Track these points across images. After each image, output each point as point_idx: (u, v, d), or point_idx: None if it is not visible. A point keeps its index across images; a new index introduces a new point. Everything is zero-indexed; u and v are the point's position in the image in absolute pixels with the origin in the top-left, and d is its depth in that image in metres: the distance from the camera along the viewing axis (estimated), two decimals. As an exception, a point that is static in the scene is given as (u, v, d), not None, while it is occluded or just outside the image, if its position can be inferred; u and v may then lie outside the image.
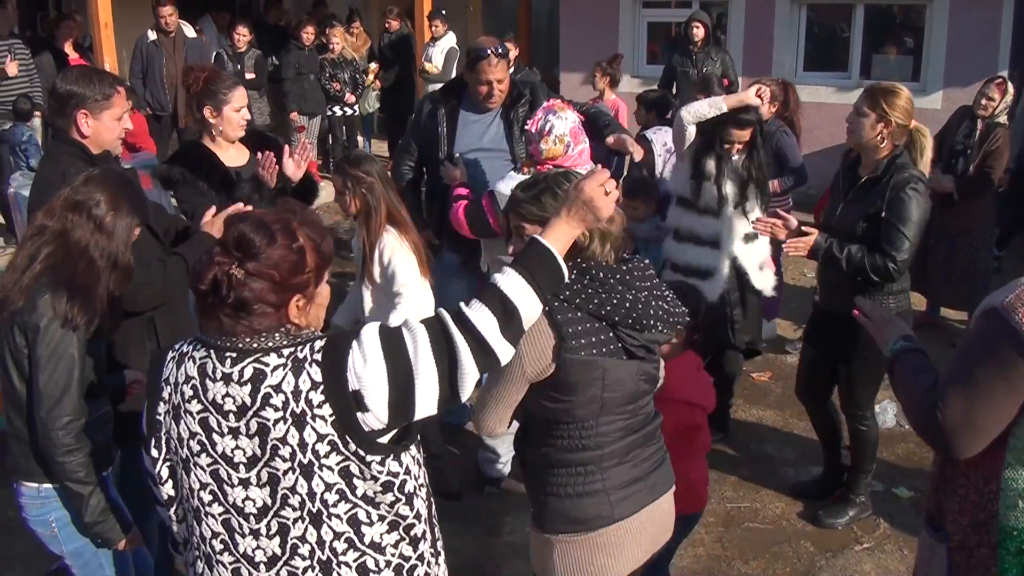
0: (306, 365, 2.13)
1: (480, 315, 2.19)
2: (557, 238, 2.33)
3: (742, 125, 4.91)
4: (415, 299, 4.35)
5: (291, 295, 2.19)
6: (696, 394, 3.69)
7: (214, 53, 10.66)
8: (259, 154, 4.37)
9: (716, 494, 4.94)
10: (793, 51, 11.19)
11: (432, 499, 2.40)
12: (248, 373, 2.13)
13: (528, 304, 2.24)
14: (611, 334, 2.68)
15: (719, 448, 5.38)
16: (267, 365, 2.13)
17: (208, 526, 2.22)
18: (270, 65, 11.18)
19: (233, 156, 4.50)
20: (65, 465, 2.90)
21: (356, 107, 11.70)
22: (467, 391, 2.18)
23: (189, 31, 10.02)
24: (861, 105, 4.25)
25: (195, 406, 2.18)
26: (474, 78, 4.55)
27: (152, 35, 9.74)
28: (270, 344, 2.16)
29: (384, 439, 2.19)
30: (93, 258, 2.99)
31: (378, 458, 2.18)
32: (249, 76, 10.42)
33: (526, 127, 4.42)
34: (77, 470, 2.92)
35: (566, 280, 2.36)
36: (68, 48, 9.94)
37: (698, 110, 5.00)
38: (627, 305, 2.67)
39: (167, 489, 2.27)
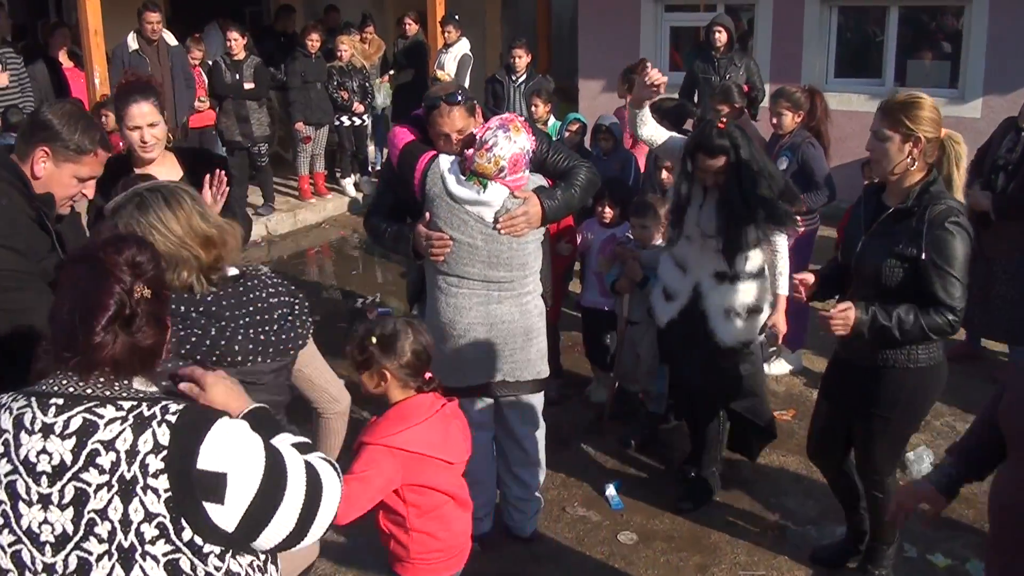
0: (153, 423, 1.79)
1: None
2: None
3: (711, 152, 4.36)
4: None
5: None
6: (420, 443, 3.04)
7: (211, 62, 10.24)
8: (208, 177, 3.90)
9: (728, 559, 4.45)
10: (823, 56, 10.62)
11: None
12: (75, 424, 1.79)
13: None
14: None
15: (733, 502, 4.88)
16: (101, 417, 1.79)
17: None
18: (280, 74, 10.79)
19: (162, 175, 3.96)
20: None
21: (365, 116, 11.27)
22: (313, 537, 2.00)
23: (171, 39, 9.57)
24: (880, 128, 3.64)
25: (3, 467, 1.80)
26: (430, 129, 4.06)
27: (133, 43, 9.30)
28: (109, 393, 1.82)
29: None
30: None
31: (217, 550, 1.84)
32: (248, 86, 10.01)
33: (475, 130, 3.97)
34: None
35: None
36: (62, 57, 9.57)
37: (634, 125, 4.67)
38: (208, 341, 2.47)
39: None
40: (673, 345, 4.76)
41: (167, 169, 4.04)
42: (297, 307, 2.77)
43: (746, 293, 4.51)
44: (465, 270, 3.99)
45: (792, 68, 10.45)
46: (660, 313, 4.72)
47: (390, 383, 3.09)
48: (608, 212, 5.64)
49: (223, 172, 3.90)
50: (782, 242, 4.66)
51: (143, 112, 3.91)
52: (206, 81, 10.14)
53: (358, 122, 11.22)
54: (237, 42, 10.00)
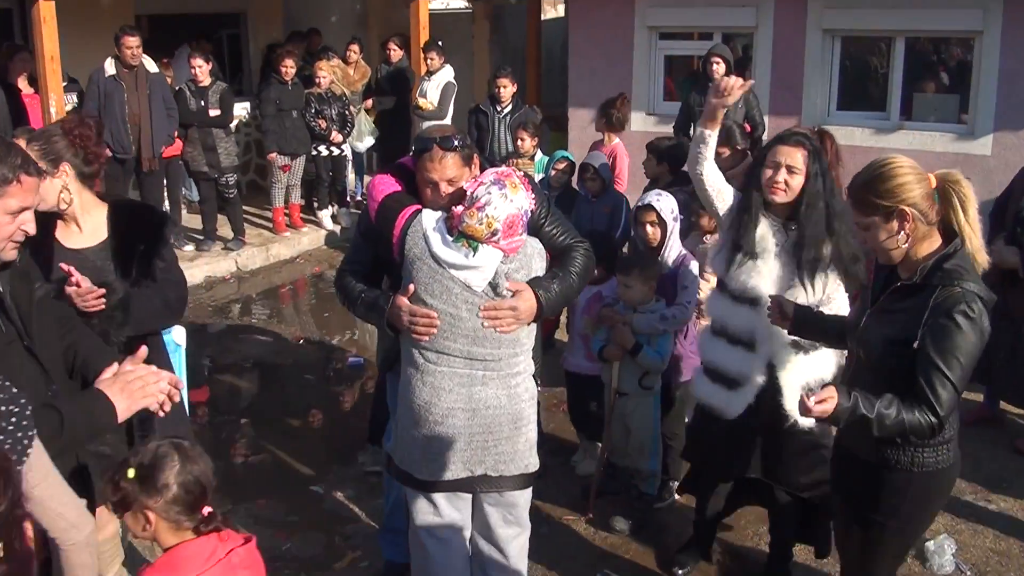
0: None
1: None
2: None
3: (787, 139, 3.85)
4: None
5: None
6: None
7: (177, 88, 9.71)
8: (63, 266, 3.34)
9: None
10: (825, 88, 10.11)
11: None
12: None
13: None
14: None
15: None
16: None
17: None
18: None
19: (78, 233, 3.56)
20: None
21: (344, 147, 10.73)
22: None
23: (151, 66, 9.06)
24: (860, 217, 3.12)
25: None
26: (418, 175, 3.53)
27: (111, 69, 8.80)
28: None
29: None
30: None
31: None
32: (214, 113, 9.48)
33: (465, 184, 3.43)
34: None
35: None
36: (22, 83, 9.02)
37: (694, 157, 4.05)
38: None
39: None
40: (742, 434, 4.09)
41: (94, 225, 3.58)
42: (16, 416, 2.31)
43: (821, 363, 3.92)
44: (446, 345, 3.41)
45: (792, 101, 9.95)
46: (727, 405, 4.05)
47: (156, 525, 2.49)
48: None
49: (80, 277, 3.33)
50: (843, 300, 4.01)
51: (21, 196, 3.35)
52: (172, 108, 9.61)
53: (336, 152, 10.69)
54: (202, 68, 9.51)
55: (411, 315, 3.40)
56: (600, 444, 5.12)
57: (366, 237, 3.75)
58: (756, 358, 3.98)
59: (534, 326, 3.55)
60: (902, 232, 3.02)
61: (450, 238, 3.34)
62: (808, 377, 3.89)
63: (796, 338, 3.82)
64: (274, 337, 8.15)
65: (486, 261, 3.33)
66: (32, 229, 2.73)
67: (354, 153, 11.35)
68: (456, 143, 3.44)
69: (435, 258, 3.35)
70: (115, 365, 2.84)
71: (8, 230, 2.67)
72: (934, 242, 3.08)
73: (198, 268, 9.68)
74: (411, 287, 3.39)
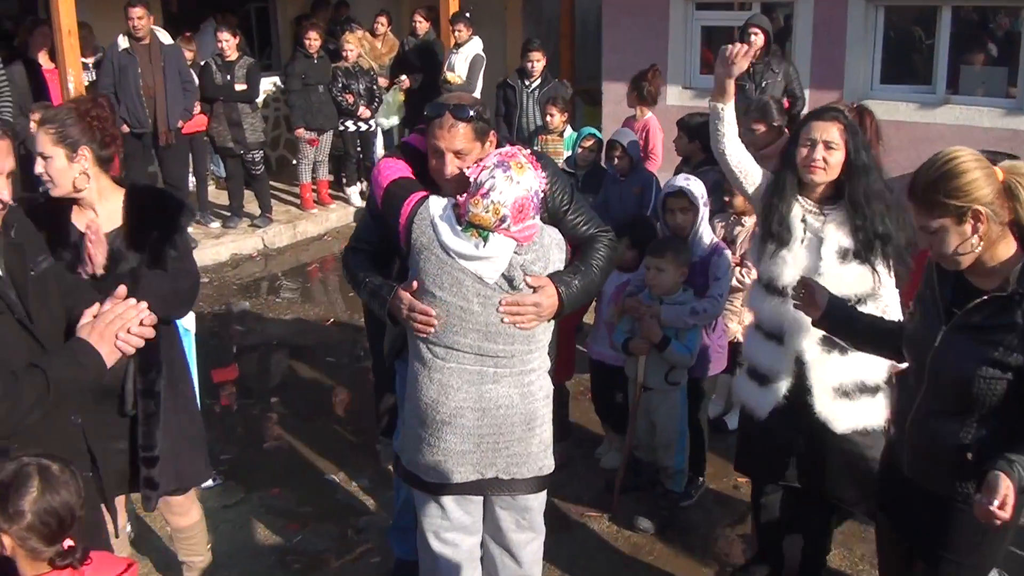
0: None
1: None
2: None
3: (823, 114, 3.59)
4: None
5: None
6: None
7: (202, 63, 9.53)
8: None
9: None
10: (868, 61, 9.73)
11: None
12: None
13: None
14: None
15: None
16: None
17: None
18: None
19: (95, 219, 3.43)
20: None
21: (372, 122, 10.52)
22: None
23: (165, 37, 8.89)
24: (924, 222, 2.75)
25: None
26: (427, 141, 3.31)
27: (124, 43, 8.64)
28: None
29: None
30: None
31: None
32: (240, 88, 9.30)
33: (468, 171, 3.20)
34: None
35: None
36: (43, 58, 8.88)
37: (712, 135, 3.84)
38: None
39: None
40: (776, 438, 3.81)
41: (110, 211, 3.47)
42: None
43: (858, 365, 3.61)
44: (455, 340, 3.18)
45: (834, 74, 9.58)
46: (757, 403, 3.82)
47: (13, 551, 2.27)
48: (627, 254, 4.85)
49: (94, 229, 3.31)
50: (891, 292, 3.70)
51: (37, 139, 3.33)
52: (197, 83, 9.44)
53: (364, 127, 10.48)
54: (228, 42, 9.31)
55: (410, 309, 3.19)
56: (625, 442, 4.88)
57: (375, 217, 3.54)
58: (784, 352, 3.71)
59: (552, 322, 3.33)
60: (975, 235, 2.68)
61: (459, 227, 3.11)
62: (843, 379, 3.62)
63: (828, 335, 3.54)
64: (299, 317, 7.99)
65: (498, 251, 3.10)
66: (6, 196, 2.58)
67: (383, 129, 11.14)
68: (470, 113, 3.22)
69: (444, 248, 3.12)
70: (95, 306, 2.71)
71: None
72: (1010, 244, 2.73)
73: (224, 245, 9.55)
74: (415, 283, 3.18)
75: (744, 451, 4.07)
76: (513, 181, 3.05)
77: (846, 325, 3.32)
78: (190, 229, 9.27)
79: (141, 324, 2.64)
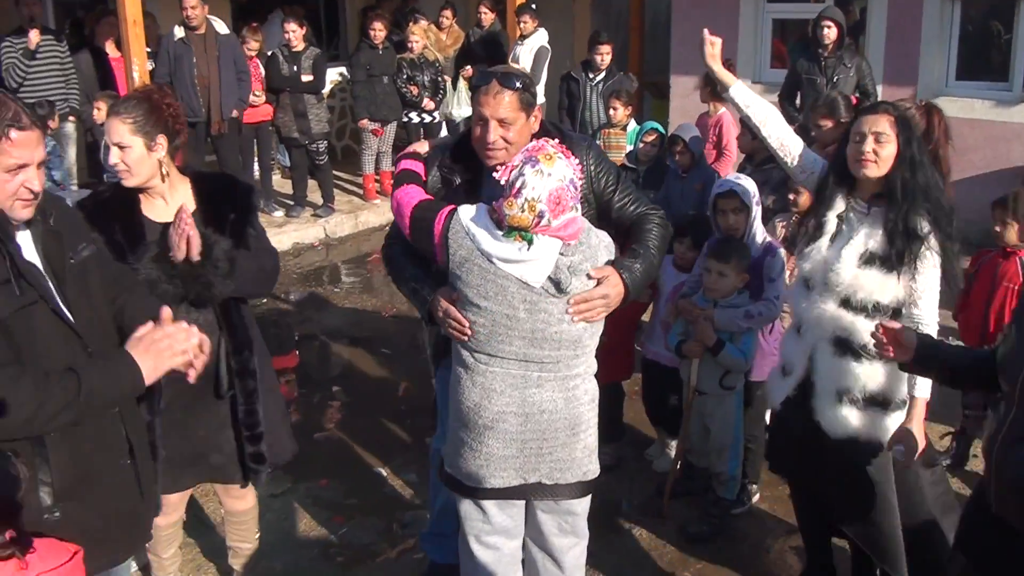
0: None
1: None
2: None
3: (870, 109, 3.43)
4: None
5: None
6: None
7: (269, 53, 9.58)
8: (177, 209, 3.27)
9: None
10: (943, 56, 9.44)
11: None
12: None
13: None
14: None
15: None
16: None
17: None
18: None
19: (164, 207, 3.41)
20: None
21: (436, 114, 10.49)
22: None
23: (221, 27, 8.95)
24: None
25: None
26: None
27: (180, 32, 8.72)
28: None
29: None
30: None
31: None
32: (306, 78, 9.34)
33: (496, 172, 3.10)
34: None
35: None
36: (109, 47, 9.01)
37: (746, 123, 3.79)
38: None
39: None
40: (789, 430, 3.71)
41: (179, 198, 3.43)
42: None
43: (871, 376, 3.45)
44: (500, 348, 3.10)
45: (908, 70, 9.32)
46: (773, 392, 3.73)
47: None
48: (687, 255, 4.72)
49: (188, 214, 3.24)
50: (929, 310, 3.42)
51: (112, 128, 3.28)
52: (263, 73, 9.50)
53: (428, 119, 10.45)
54: (295, 33, 9.35)
55: (445, 314, 3.13)
56: (676, 447, 4.77)
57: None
58: (800, 344, 3.59)
59: (600, 324, 3.23)
60: None
61: (500, 232, 3.01)
62: (852, 385, 3.45)
63: (842, 337, 3.42)
64: (358, 307, 7.99)
65: (543, 253, 2.99)
66: (37, 187, 2.55)
67: (449, 121, 11.10)
68: (517, 83, 3.18)
69: (486, 255, 3.02)
70: (149, 324, 2.66)
71: (9, 188, 2.50)
72: None
73: (286, 234, 9.61)
74: (455, 294, 3.11)
75: (771, 445, 4.00)
76: (544, 174, 2.93)
77: (939, 364, 3.02)
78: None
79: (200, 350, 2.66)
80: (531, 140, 3.22)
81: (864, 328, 3.36)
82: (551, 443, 3.18)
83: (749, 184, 4.43)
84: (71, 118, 8.67)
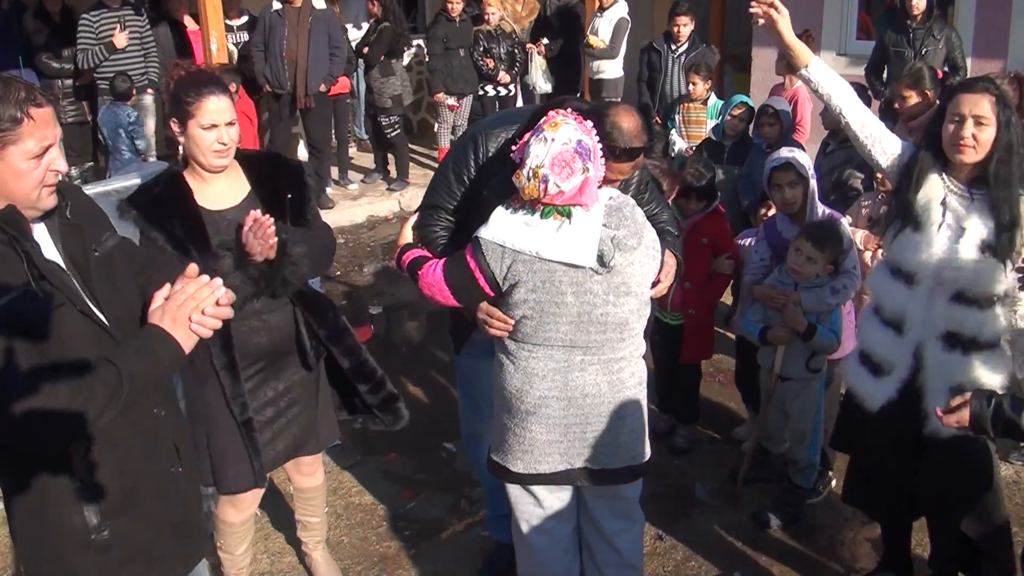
0: None
1: None
2: None
3: (969, 87, 3.22)
4: None
5: None
6: None
7: (350, 25, 9.61)
8: (250, 214, 3.17)
9: None
10: (1038, 28, 9.04)
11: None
12: None
13: None
14: None
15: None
16: None
17: None
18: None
19: (218, 194, 3.34)
20: None
21: (511, 87, 10.38)
22: None
23: (319, 2, 8.87)
24: None
25: None
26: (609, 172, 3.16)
27: (276, 4, 8.70)
28: None
29: None
30: None
31: None
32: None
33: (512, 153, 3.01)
34: None
35: None
36: (187, 19, 9.07)
37: (826, 104, 3.49)
38: None
39: None
40: (885, 433, 3.51)
41: (231, 182, 3.38)
42: None
43: (985, 370, 3.25)
44: (546, 336, 3.03)
45: (999, 42, 8.91)
46: (868, 393, 3.49)
47: None
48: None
49: (268, 217, 3.16)
50: None
51: (220, 108, 3.20)
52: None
53: (503, 92, 10.35)
54: (373, 5, 9.29)
55: (487, 314, 3.06)
56: (753, 434, 4.63)
57: (448, 183, 3.41)
58: (903, 344, 3.36)
59: (648, 308, 3.15)
60: None
61: (535, 216, 2.93)
62: (963, 380, 3.24)
63: (953, 331, 3.23)
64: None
65: (584, 227, 2.91)
66: (63, 167, 2.38)
67: (525, 90, 10.95)
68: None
69: (526, 251, 2.94)
70: (166, 288, 2.44)
71: (37, 175, 2.30)
72: None
73: (360, 207, 9.64)
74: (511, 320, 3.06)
75: (844, 436, 3.81)
76: (547, 141, 2.84)
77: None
78: (329, 190, 9.44)
79: (217, 304, 2.37)
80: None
81: (977, 321, 3.21)
82: (595, 427, 3.12)
83: (803, 156, 4.28)
84: (149, 90, 8.76)
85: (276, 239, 3.17)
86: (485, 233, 3.00)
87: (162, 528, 2.58)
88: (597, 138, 2.92)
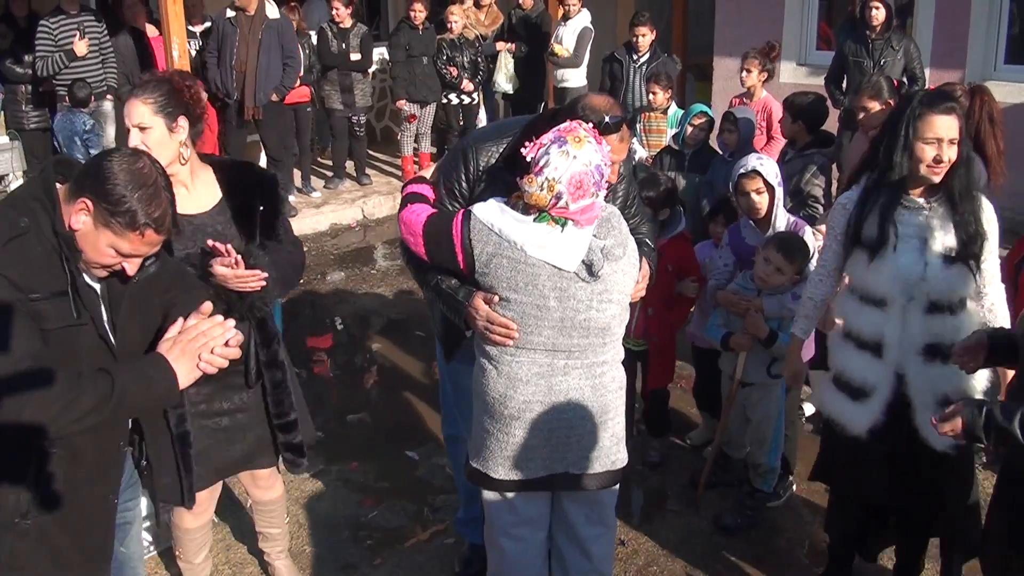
0: None
1: None
2: None
3: (936, 107, 3.22)
4: None
5: None
6: None
7: (313, 32, 9.56)
8: (209, 242, 3.13)
9: None
10: (993, 39, 9.17)
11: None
12: None
13: None
14: None
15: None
16: None
17: None
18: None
19: (187, 197, 3.25)
20: None
21: (475, 95, 10.41)
22: None
23: (272, 11, 8.81)
24: None
25: None
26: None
27: (230, 11, 8.65)
28: None
29: None
30: None
31: None
32: (354, 56, 9.38)
33: (523, 149, 2.98)
34: None
35: None
36: (150, 27, 9.01)
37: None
38: None
39: None
40: (869, 455, 3.50)
41: (202, 187, 3.32)
42: None
43: (961, 374, 3.23)
44: (529, 340, 3.03)
45: (957, 52, 9.06)
46: (849, 418, 3.47)
47: None
48: (718, 231, 4.62)
49: (239, 256, 3.12)
50: (998, 290, 3.39)
51: (132, 109, 3.17)
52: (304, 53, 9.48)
53: (467, 100, 10.37)
54: (338, 11, 9.35)
55: (488, 321, 3.04)
56: (713, 440, 4.66)
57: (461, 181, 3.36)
58: (883, 366, 3.38)
59: (627, 313, 3.16)
60: None
61: (529, 218, 2.93)
62: (947, 389, 3.30)
63: (932, 343, 3.27)
64: (393, 289, 7.95)
65: (577, 235, 2.92)
66: (132, 271, 2.51)
67: (488, 97, 10.99)
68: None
69: (514, 245, 2.93)
70: (179, 322, 2.55)
71: (106, 261, 2.47)
72: None
73: (324, 215, 9.60)
74: (496, 296, 3.01)
75: (826, 462, 3.81)
76: (569, 156, 2.82)
77: (1010, 347, 2.94)
78: (292, 199, 9.39)
79: (227, 344, 2.49)
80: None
81: (952, 326, 3.27)
82: (578, 431, 3.12)
83: (770, 164, 4.30)
84: (108, 97, 8.68)
85: (258, 284, 3.13)
86: (478, 211, 3.00)
87: (77, 541, 2.64)
88: (607, 161, 2.93)
